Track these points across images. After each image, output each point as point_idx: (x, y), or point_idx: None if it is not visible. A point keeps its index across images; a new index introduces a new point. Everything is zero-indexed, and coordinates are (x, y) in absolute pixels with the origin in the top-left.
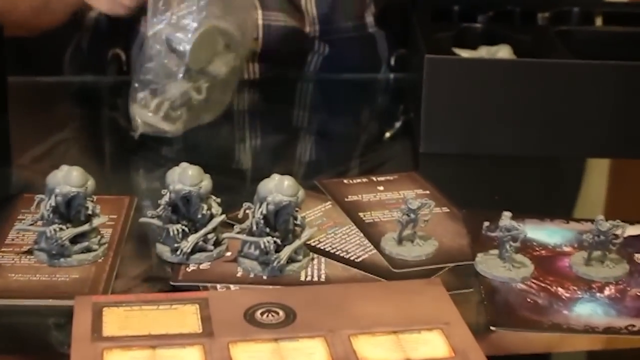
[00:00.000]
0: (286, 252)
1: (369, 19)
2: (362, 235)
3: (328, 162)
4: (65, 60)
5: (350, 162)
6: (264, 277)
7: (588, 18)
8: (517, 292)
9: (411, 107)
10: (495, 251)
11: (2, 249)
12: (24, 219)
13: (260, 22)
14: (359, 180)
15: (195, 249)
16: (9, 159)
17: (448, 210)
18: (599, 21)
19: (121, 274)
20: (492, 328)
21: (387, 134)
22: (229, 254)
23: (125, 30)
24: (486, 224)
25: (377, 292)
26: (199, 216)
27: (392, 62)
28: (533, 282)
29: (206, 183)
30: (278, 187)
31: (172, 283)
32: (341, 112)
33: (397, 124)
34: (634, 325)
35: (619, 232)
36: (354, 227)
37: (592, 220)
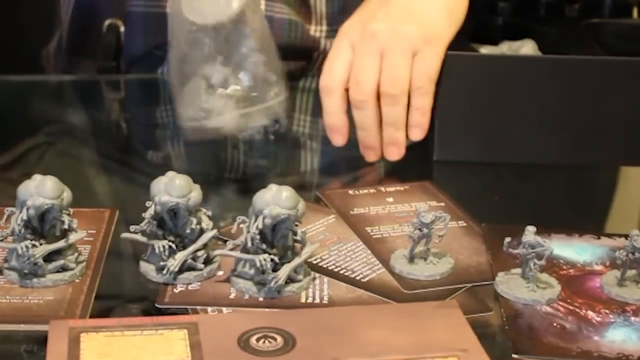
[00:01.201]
0: (285, 271)
1: None
2: (369, 252)
3: (332, 170)
4: (45, 56)
5: (356, 170)
6: (260, 299)
7: (622, 9)
8: (542, 316)
9: None
10: (518, 270)
11: None
12: None
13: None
14: (365, 191)
15: (184, 268)
16: None
17: (465, 224)
18: (634, 12)
19: (101, 295)
20: (514, 356)
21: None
22: (221, 273)
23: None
24: (507, 239)
25: (386, 316)
26: (188, 231)
27: None
28: (560, 305)
29: (195, 194)
30: (275, 199)
31: (157, 305)
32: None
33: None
34: None
35: None
36: (360, 243)
37: (626, 236)
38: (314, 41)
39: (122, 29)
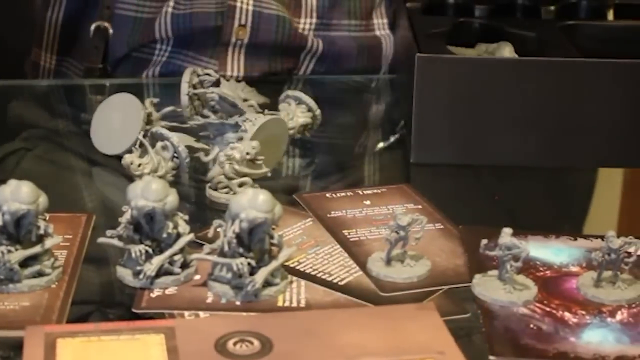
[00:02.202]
0: (262, 274)
1: (377, 20)
2: (346, 255)
3: (309, 174)
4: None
5: (333, 173)
6: (237, 303)
7: (598, 11)
8: (518, 318)
9: (402, 112)
10: (495, 272)
11: None
12: None
13: (250, 8)
14: (343, 194)
15: (161, 272)
16: None
17: (442, 226)
18: (610, 15)
19: (77, 300)
20: (491, 358)
21: (380, 143)
22: (198, 277)
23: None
24: (484, 241)
25: (363, 319)
26: (164, 235)
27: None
28: (537, 306)
29: (172, 198)
30: (252, 203)
31: (134, 310)
32: (325, 117)
33: (387, 131)
34: None
35: (632, 249)
36: (338, 246)
37: (602, 237)
38: (302, 38)
39: (110, 31)
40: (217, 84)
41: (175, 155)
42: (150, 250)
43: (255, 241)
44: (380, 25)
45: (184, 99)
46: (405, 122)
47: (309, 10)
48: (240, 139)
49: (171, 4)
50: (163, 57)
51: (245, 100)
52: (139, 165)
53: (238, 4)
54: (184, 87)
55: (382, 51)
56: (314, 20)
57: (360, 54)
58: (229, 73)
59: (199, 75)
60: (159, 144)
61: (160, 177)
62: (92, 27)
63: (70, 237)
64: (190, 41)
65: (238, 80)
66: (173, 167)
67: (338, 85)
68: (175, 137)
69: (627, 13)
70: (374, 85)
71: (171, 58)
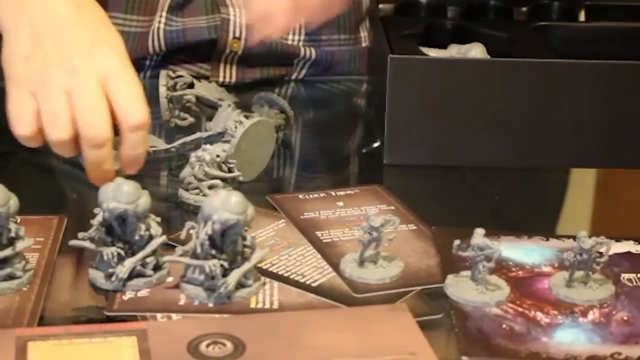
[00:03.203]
0: (234, 276)
1: (363, 33)
2: (319, 256)
3: (282, 175)
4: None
5: (306, 175)
6: (210, 305)
7: (570, 12)
8: (491, 318)
9: (374, 113)
10: (467, 272)
11: None
12: None
13: (244, 20)
14: (316, 195)
15: (133, 275)
16: None
17: (415, 227)
18: (581, 16)
19: (49, 303)
20: (463, 358)
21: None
22: (170, 279)
23: None
24: (457, 242)
25: (336, 320)
26: (137, 237)
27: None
28: (509, 307)
29: (144, 200)
30: (224, 204)
31: (106, 313)
32: (301, 119)
33: (359, 132)
34: (620, 353)
35: (603, 249)
36: (311, 247)
37: (574, 237)
38: (295, 47)
39: None
40: (191, 85)
41: None
42: (122, 253)
43: (227, 243)
44: (365, 38)
45: (163, 102)
46: (377, 122)
47: (297, 27)
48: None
49: (162, 19)
50: (154, 63)
51: (220, 100)
52: None
53: (232, 17)
54: (162, 91)
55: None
56: (302, 37)
57: (353, 60)
58: (220, 79)
59: (172, 78)
60: None
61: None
62: None
63: (42, 239)
64: (182, 50)
65: (221, 85)
66: None
67: (312, 87)
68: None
69: (599, 14)
70: (351, 85)
71: (162, 62)
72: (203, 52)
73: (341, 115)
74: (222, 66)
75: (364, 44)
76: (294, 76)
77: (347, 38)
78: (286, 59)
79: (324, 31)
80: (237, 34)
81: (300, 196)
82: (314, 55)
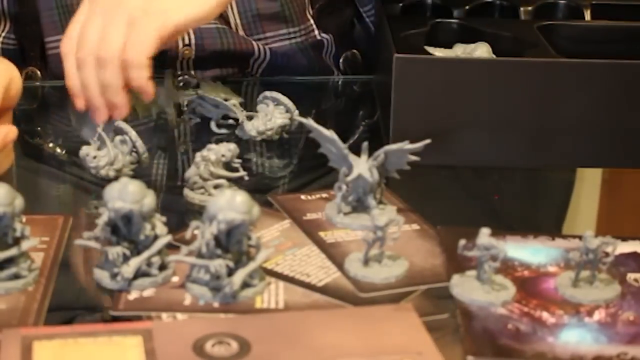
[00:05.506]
0: (240, 276)
1: (312, 21)
2: (324, 256)
3: (285, 174)
4: None
5: (308, 175)
6: (215, 305)
7: (575, 12)
8: (496, 318)
9: (379, 112)
10: (473, 272)
11: None
12: None
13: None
14: (318, 196)
15: (138, 274)
16: None
17: (419, 227)
18: (587, 15)
19: (54, 303)
20: (469, 358)
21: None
22: (175, 279)
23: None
24: (462, 242)
25: (342, 320)
26: (142, 237)
27: (341, 65)
28: (515, 306)
29: (149, 200)
30: (230, 204)
31: (111, 312)
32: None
33: (361, 132)
34: (626, 354)
35: (609, 249)
36: (315, 247)
37: (580, 237)
38: (248, 44)
39: (38, 74)
40: (197, 85)
41: (134, 149)
42: (127, 252)
43: (233, 242)
44: (315, 27)
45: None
46: (382, 122)
47: (236, 28)
48: None
49: None
50: None
51: (226, 99)
52: (95, 157)
53: None
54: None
55: (323, 52)
56: (252, 37)
57: (309, 61)
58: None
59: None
60: (118, 138)
61: (117, 170)
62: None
63: (47, 239)
64: None
65: (213, 81)
66: (131, 161)
67: (293, 86)
68: (133, 132)
69: (604, 13)
70: (331, 83)
71: None
72: (158, 61)
73: (345, 114)
74: (179, 70)
75: (317, 36)
76: (253, 73)
77: (295, 30)
78: (241, 55)
79: (265, 27)
80: (187, 42)
81: (302, 197)
82: (268, 57)
